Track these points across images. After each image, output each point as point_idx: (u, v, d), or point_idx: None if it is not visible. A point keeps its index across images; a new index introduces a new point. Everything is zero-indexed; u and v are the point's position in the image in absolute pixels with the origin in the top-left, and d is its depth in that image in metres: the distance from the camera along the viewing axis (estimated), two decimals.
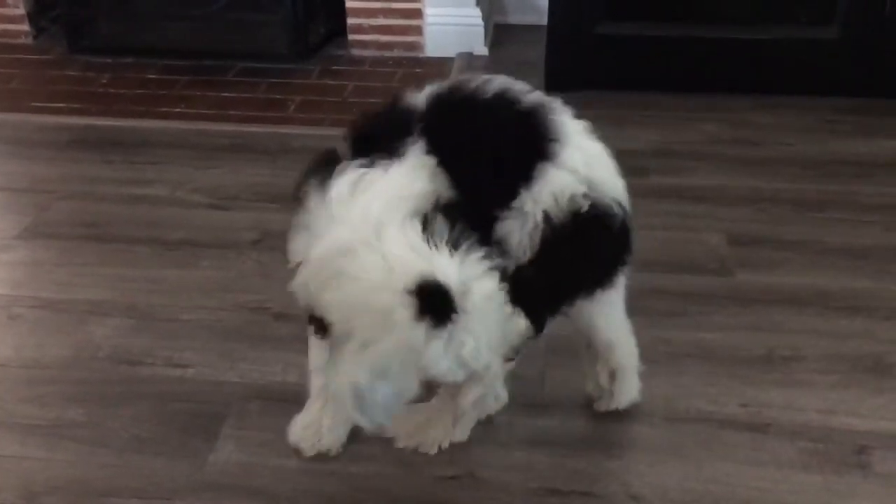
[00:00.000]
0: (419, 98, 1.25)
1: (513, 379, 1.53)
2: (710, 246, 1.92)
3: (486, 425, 1.43)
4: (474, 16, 2.89)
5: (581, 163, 1.21)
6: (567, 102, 1.27)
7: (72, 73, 2.80)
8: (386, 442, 1.40)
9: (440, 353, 1.07)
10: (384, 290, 1.07)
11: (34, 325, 1.68)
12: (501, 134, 1.23)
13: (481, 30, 2.91)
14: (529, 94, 1.26)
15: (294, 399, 1.47)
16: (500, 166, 1.21)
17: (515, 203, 1.21)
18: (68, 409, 1.48)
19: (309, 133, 2.41)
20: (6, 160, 2.30)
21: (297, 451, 1.39)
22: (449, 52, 2.90)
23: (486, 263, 1.11)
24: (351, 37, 2.93)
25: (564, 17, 2.55)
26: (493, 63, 2.88)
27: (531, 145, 1.21)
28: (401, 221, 1.11)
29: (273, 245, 1.91)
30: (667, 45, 2.60)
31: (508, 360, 1.18)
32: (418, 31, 2.90)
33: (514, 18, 3.19)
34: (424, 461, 1.38)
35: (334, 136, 1.29)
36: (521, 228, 1.21)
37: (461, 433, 1.41)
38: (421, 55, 2.92)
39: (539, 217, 1.20)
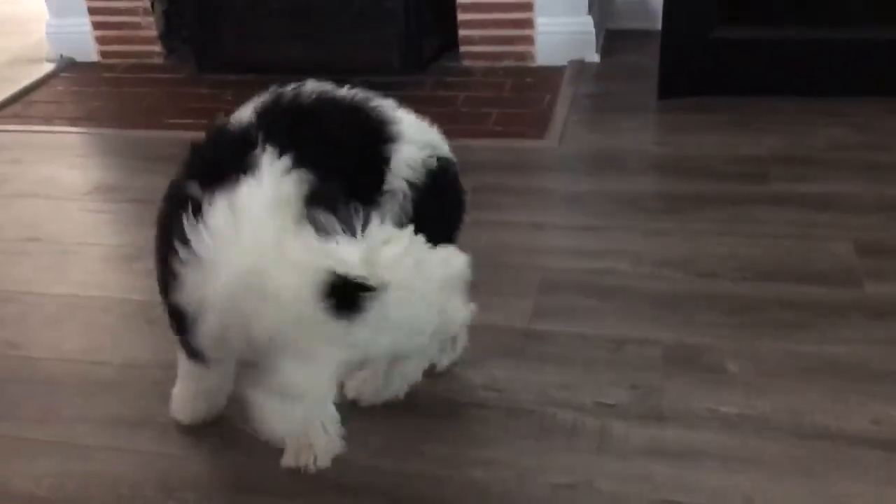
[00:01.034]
0: (243, 115, 1.33)
1: (631, 388, 1.52)
2: (837, 255, 1.85)
3: (603, 436, 1.42)
4: (586, 23, 2.88)
5: (416, 132, 1.40)
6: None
7: (201, 91, 2.96)
8: (504, 448, 1.42)
9: (376, 333, 1.12)
10: (304, 301, 1.09)
11: (169, 330, 1.78)
12: (347, 130, 1.35)
13: (593, 37, 2.90)
14: (346, 90, 1.41)
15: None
16: (363, 160, 1.34)
17: (386, 186, 1.35)
18: None
19: None
20: (141, 174, 2.45)
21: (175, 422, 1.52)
22: (560, 60, 2.91)
23: (388, 228, 1.19)
24: (462, 48, 2.98)
25: (679, 22, 2.51)
26: (606, 70, 2.87)
27: (377, 133, 1.36)
28: (293, 227, 1.14)
29: None
30: (786, 48, 2.52)
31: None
32: (529, 40, 2.92)
33: (627, 24, 3.16)
34: (539, 468, 1.39)
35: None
36: (396, 204, 1.36)
37: (414, 374, 1.46)
38: (532, 64, 2.94)
39: (405, 188, 1.35)
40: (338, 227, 1.12)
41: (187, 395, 1.51)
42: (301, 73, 2.96)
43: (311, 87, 1.38)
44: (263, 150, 1.22)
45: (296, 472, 1.41)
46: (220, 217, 1.17)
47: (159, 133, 2.69)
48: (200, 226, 1.17)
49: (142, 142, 2.64)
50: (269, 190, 1.18)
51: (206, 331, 1.22)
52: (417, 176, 1.36)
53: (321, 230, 1.12)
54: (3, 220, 2.25)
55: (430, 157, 1.39)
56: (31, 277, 2.01)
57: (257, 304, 1.12)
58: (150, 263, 2.00)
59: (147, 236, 2.11)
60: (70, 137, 2.73)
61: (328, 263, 1.08)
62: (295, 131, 1.28)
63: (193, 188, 1.22)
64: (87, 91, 3.05)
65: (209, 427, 1.53)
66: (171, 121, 2.76)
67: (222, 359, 1.40)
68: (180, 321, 1.29)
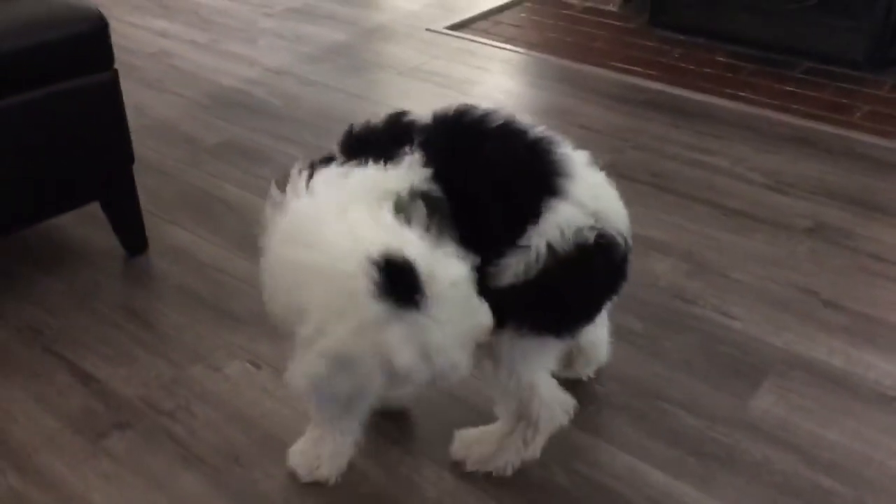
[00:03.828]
0: (424, 116, 1.22)
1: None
2: None
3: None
4: None
5: (588, 196, 1.19)
6: None
7: (648, 43, 3.10)
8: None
9: (403, 340, 1.00)
10: (347, 259, 1.00)
11: None
12: (510, 167, 1.18)
13: None
14: (534, 127, 1.22)
15: (839, 382, 1.54)
16: (509, 202, 1.17)
17: (521, 240, 1.17)
18: (629, 318, 1.71)
19: (876, 143, 2.38)
20: (589, 105, 2.65)
21: (292, 475, 1.38)
22: None
23: (458, 254, 1.05)
24: None
25: None
26: None
27: (540, 180, 1.18)
28: (372, 202, 1.07)
29: (828, 238, 1.96)
30: None
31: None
32: None
33: None
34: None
35: None
36: (521, 261, 1.17)
37: (533, 451, 1.36)
38: None
39: (543, 249, 1.16)
40: (421, 224, 1.06)
41: (315, 450, 1.37)
42: (750, 46, 3.00)
43: (504, 114, 1.23)
44: (412, 151, 1.15)
45: (707, 398, 1.52)
46: (321, 177, 1.13)
47: (604, 72, 2.87)
48: (298, 181, 1.14)
49: (589, 76, 2.84)
50: (375, 173, 1.12)
51: (266, 284, 1.16)
52: (564, 243, 1.17)
53: (403, 217, 1.06)
54: None
55: (591, 228, 1.18)
56: None
57: (297, 247, 1.07)
58: None
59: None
60: (528, 59, 3.02)
61: (396, 242, 1.02)
62: (458, 148, 1.18)
63: (331, 153, 1.21)
64: (545, 22, 3.33)
65: (632, 336, 1.67)
66: (616, 64, 2.93)
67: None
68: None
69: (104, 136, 1.77)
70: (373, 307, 0.99)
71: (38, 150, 1.67)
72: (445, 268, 1.02)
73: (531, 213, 1.17)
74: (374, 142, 1.18)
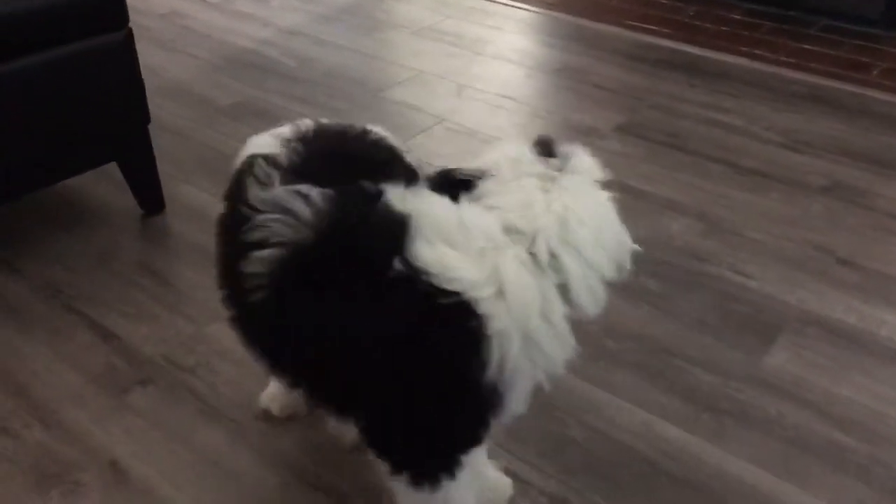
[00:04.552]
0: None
1: None
2: None
3: None
4: None
5: None
6: None
7: (663, 1, 3.06)
8: None
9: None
10: None
11: (621, 204, 1.93)
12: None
13: None
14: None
15: (853, 339, 1.55)
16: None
17: None
18: (644, 277, 1.72)
19: (893, 101, 2.35)
20: (604, 64, 2.63)
21: (266, 412, 1.43)
22: None
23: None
24: None
25: None
26: None
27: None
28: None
29: (843, 196, 1.96)
30: None
31: None
32: None
33: None
34: None
35: None
36: None
37: None
38: None
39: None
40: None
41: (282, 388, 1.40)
42: (766, 3, 2.96)
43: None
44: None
45: (721, 355, 1.53)
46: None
47: (619, 30, 2.85)
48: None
49: (604, 35, 2.82)
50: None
51: None
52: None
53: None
54: (485, 75, 2.57)
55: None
56: (504, 128, 2.29)
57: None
58: (608, 144, 2.20)
59: (605, 119, 2.31)
60: (542, 17, 2.99)
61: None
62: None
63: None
64: None
65: (648, 295, 1.68)
66: (631, 22, 2.90)
67: None
68: None
69: (120, 96, 1.77)
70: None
71: (55, 111, 1.68)
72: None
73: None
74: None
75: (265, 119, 2.31)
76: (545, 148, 1.07)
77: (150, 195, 1.93)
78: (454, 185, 1.03)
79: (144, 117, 1.83)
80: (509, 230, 0.97)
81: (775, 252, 1.79)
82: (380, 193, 0.99)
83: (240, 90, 2.49)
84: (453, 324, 0.93)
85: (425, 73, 2.54)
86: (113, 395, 1.47)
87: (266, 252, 0.98)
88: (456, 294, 0.92)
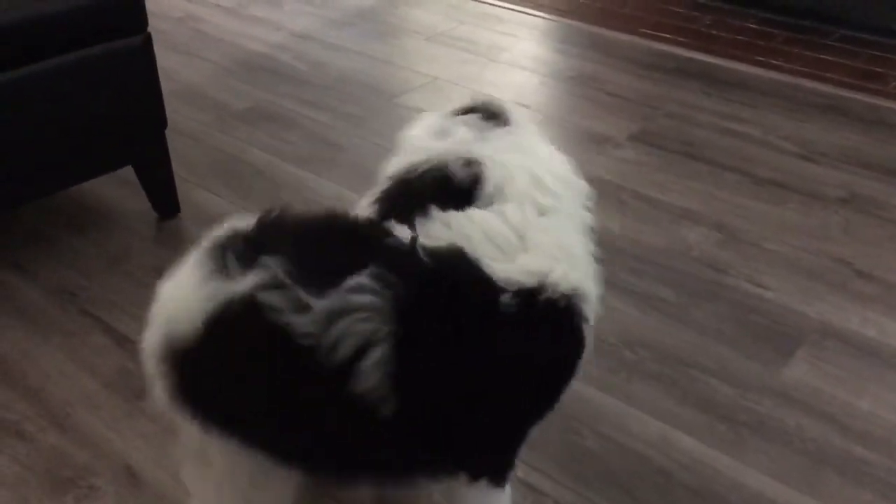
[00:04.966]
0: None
1: None
2: None
3: None
4: None
5: None
6: None
7: (678, 10, 3.05)
8: None
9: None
10: None
11: (636, 213, 1.95)
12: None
13: None
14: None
15: (873, 352, 1.54)
16: None
17: None
18: (660, 286, 1.71)
19: None
20: (618, 72, 2.62)
21: None
22: None
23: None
24: None
25: None
26: None
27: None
28: None
29: (861, 208, 1.94)
30: None
31: None
32: None
33: None
34: None
35: None
36: None
37: None
38: None
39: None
40: None
41: None
42: (782, 13, 2.95)
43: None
44: None
45: (738, 366, 1.52)
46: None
47: (634, 39, 2.84)
48: None
49: (618, 43, 2.81)
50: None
51: None
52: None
53: None
54: (500, 83, 2.56)
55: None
56: None
57: None
58: (624, 153, 2.20)
59: (619, 127, 2.31)
60: (556, 25, 2.99)
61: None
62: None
63: None
64: None
65: (662, 303, 1.67)
66: (646, 30, 2.89)
67: None
68: None
69: (138, 100, 1.77)
70: None
71: (74, 114, 1.67)
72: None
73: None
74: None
75: (278, 123, 2.30)
76: (486, 112, 1.13)
77: (164, 199, 1.93)
78: (453, 197, 1.01)
79: (162, 121, 1.83)
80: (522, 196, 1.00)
81: (793, 263, 1.78)
82: (415, 242, 0.91)
83: (253, 94, 2.49)
84: (570, 317, 0.94)
85: (439, 80, 2.54)
86: (127, 399, 1.47)
87: (377, 352, 0.86)
88: (561, 292, 0.92)
